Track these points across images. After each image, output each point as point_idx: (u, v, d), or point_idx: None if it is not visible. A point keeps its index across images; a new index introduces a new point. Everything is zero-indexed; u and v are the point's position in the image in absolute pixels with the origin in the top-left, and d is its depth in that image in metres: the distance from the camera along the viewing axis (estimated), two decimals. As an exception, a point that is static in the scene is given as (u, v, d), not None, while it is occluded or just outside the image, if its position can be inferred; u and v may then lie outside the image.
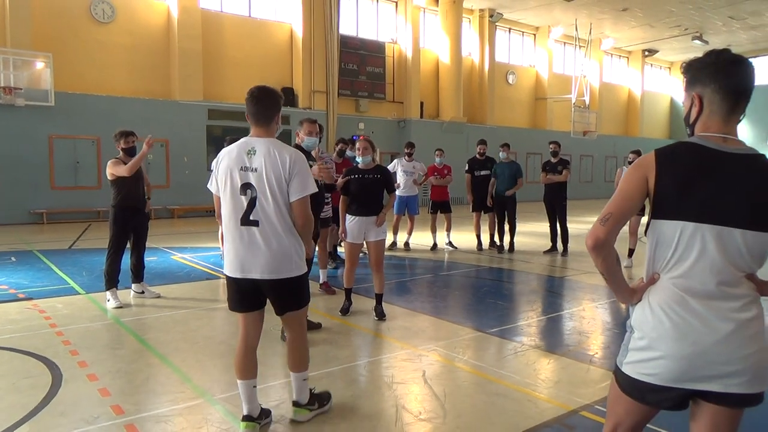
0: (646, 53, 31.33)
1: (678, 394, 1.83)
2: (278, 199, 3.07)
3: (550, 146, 10.17)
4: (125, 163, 6.12)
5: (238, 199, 3.10)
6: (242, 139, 3.22)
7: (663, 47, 29.86)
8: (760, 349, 1.78)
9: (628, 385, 1.91)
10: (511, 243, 10.36)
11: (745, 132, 31.18)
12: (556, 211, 9.95)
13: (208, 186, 3.34)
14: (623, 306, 6.18)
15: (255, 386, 3.29)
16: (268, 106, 3.21)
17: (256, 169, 3.08)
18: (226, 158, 3.18)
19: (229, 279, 3.21)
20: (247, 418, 3.22)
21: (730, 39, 27.97)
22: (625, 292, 1.95)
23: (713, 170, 1.78)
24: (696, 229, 1.78)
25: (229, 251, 3.17)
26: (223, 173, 3.17)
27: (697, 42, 26.97)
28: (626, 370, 1.91)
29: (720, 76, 1.79)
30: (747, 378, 1.76)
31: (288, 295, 3.21)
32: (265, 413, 3.37)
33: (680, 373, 1.79)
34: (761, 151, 1.88)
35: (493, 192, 10.21)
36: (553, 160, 10.01)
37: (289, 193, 3.09)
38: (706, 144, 1.81)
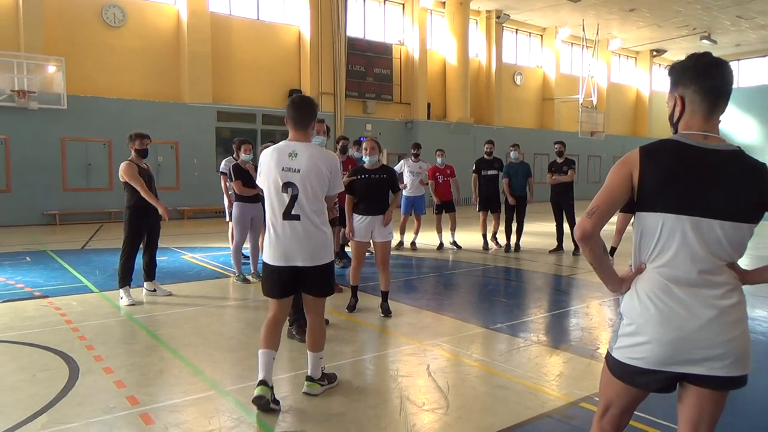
0: (654, 53, 31.27)
1: (664, 376, 1.94)
2: (318, 197, 3.53)
3: (555, 146, 10.24)
4: (138, 165, 6.30)
5: (280, 196, 3.49)
6: (282, 143, 3.61)
7: (671, 47, 29.82)
8: (741, 334, 1.89)
9: (618, 368, 2.02)
10: (517, 243, 10.46)
11: (755, 130, 31.07)
12: (564, 211, 10.01)
13: (257, 182, 3.72)
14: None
15: (274, 358, 3.63)
16: (307, 112, 3.60)
17: (298, 170, 3.48)
18: (266, 161, 3.57)
19: (270, 267, 3.58)
20: (262, 383, 3.51)
21: (739, 38, 27.87)
22: (614, 281, 2.07)
23: (693, 165, 1.88)
24: (676, 221, 1.89)
25: (271, 242, 3.55)
26: (265, 174, 3.57)
27: (706, 42, 26.88)
28: (616, 354, 2.02)
29: (700, 78, 1.91)
30: (729, 361, 1.87)
31: (326, 278, 3.66)
32: (275, 401, 3.55)
33: (666, 357, 1.90)
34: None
35: (509, 192, 10.33)
36: (558, 160, 10.09)
37: (329, 189, 3.60)
38: (687, 141, 1.92)
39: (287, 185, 3.47)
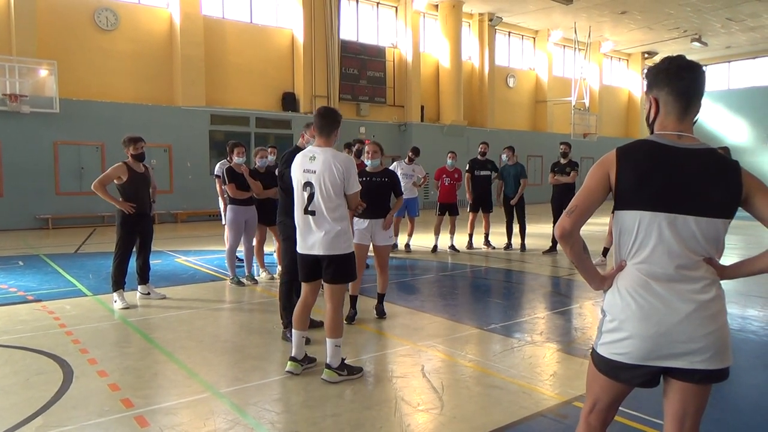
0: (646, 55, 31.45)
1: (648, 371, 1.98)
2: (331, 196, 3.93)
3: (561, 147, 10.23)
4: (134, 169, 6.31)
5: (301, 194, 4.03)
6: (308, 148, 4.20)
7: (662, 49, 29.97)
8: (720, 328, 1.93)
9: (602, 364, 2.06)
10: (522, 243, 10.53)
11: (746, 132, 31.30)
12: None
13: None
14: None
15: (304, 337, 4.27)
16: (330, 122, 4.07)
17: (314, 172, 3.95)
18: (295, 164, 4.11)
19: (298, 255, 4.16)
20: (293, 359, 4.18)
21: (729, 40, 28.09)
22: (595, 279, 2.12)
23: (667, 164, 1.94)
24: (653, 218, 1.94)
25: (298, 234, 4.12)
26: (294, 174, 4.10)
27: (696, 44, 27.08)
28: (600, 350, 2.06)
29: (673, 79, 1.97)
30: (709, 355, 1.91)
31: (337, 268, 4.02)
32: (310, 360, 4.25)
33: (647, 352, 1.94)
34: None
35: (501, 194, 10.42)
36: (562, 161, 10.12)
37: (345, 189, 3.99)
38: (662, 141, 1.98)
39: (306, 184, 3.98)
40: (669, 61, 1.99)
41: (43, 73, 14.35)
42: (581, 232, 2.07)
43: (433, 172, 10.87)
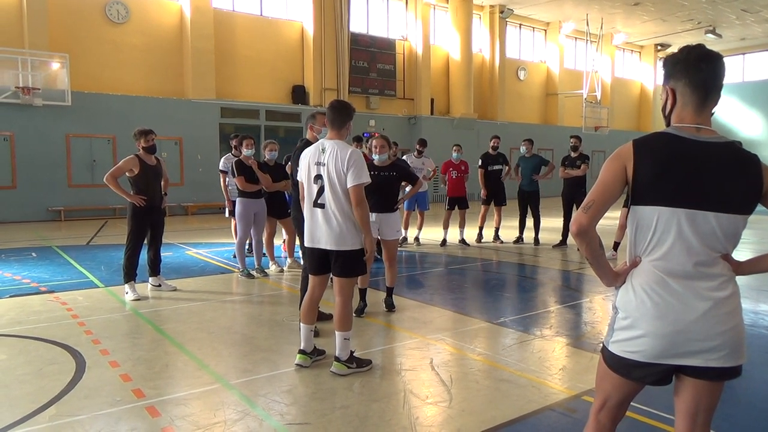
0: (659, 47, 31.09)
1: (661, 369, 1.95)
2: (337, 189, 3.90)
3: (571, 140, 10.17)
4: (145, 161, 6.34)
5: (312, 187, 4.02)
6: (319, 140, 4.14)
7: (676, 41, 29.60)
8: (736, 325, 1.89)
9: (614, 362, 2.03)
10: (536, 237, 10.50)
11: (761, 124, 30.91)
12: (576, 205, 9.97)
13: (297, 177, 4.25)
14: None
15: (312, 330, 4.26)
16: (342, 115, 4.06)
17: (324, 164, 3.93)
18: (307, 156, 4.08)
19: (305, 248, 4.16)
20: (302, 352, 4.19)
21: (744, 32, 27.69)
22: (609, 275, 2.06)
23: (686, 158, 1.88)
24: (672, 214, 1.89)
25: (306, 227, 4.11)
26: (304, 167, 4.07)
27: (711, 36, 26.71)
28: (612, 348, 2.02)
29: (691, 70, 1.91)
30: (725, 353, 1.88)
31: (345, 262, 4.01)
32: (319, 352, 4.29)
33: (662, 350, 1.90)
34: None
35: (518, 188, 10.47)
36: (572, 154, 10.06)
37: (346, 181, 3.87)
38: (680, 134, 1.92)
39: (317, 177, 3.96)
40: (687, 50, 1.92)
41: (55, 66, 14.47)
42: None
43: (441, 166, 10.82)
